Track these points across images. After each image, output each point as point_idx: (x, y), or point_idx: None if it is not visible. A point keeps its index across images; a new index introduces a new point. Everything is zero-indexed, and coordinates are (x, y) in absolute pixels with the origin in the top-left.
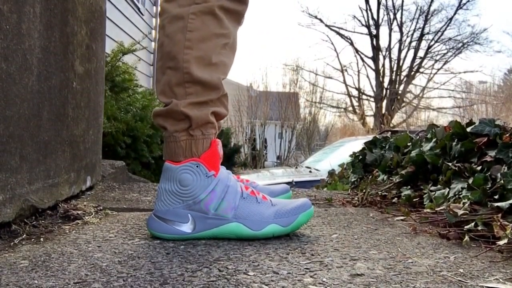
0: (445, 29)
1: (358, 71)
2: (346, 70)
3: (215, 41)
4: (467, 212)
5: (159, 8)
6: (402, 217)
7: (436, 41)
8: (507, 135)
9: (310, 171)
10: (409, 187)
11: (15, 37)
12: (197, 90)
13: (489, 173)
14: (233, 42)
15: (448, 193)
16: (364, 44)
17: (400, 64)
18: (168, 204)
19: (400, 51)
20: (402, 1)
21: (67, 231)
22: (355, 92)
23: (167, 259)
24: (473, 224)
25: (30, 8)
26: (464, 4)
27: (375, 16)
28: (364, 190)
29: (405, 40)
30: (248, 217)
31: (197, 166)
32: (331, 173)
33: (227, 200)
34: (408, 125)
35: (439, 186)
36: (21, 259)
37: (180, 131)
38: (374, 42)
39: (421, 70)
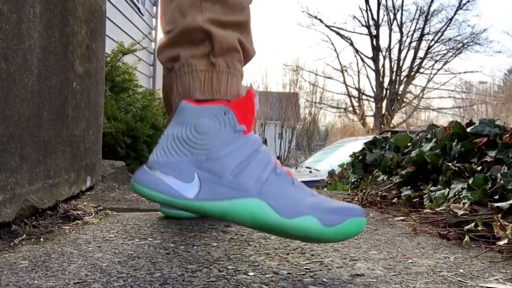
0: (445, 30)
1: (358, 72)
2: (346, 71)
3: None
4: (467, 212)
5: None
6: (402, 217)
7: (436, 42)
8: (507, 135)
9: (310, 171)
10: (409, 187)
11: (15, 37)
12: (216, 9)
13: (489, 173)
14: None
15: (448, 193)
16: (364, 45)
17: (400, 64)
18: (171, 154)
19: (400, 51)
20: (402, 2)
21: (67, 231)
22: (355, 93)
23: (167, 259)
24: (473, 224)
25: (30, 8)
26: (464, 4)
27: (375, 17)
28: (364, 190)
29: (405, 41)
30: (278, 198)
31: (224, 114)
32: (331, 173)
33: (253, 167)
34: (408, 125)
35: (439, 186)
36: (21, 259)
37: (198, 57)
38: (374, 43)
39: (421, 70)
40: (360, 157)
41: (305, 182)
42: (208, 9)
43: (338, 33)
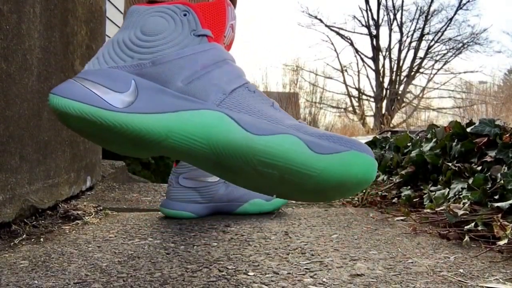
0: (445, 30)
1: (358, 71)
2: (346, 70)
3: None
4: (467, 212)
5: None
6: (402, 217)
7: (436, 42)
8: (507, 135)
9: None
10: (409, 187)
11: (15, 37)
12: None
13: (489, 173)
14: None
15: (448, 193)
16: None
17: (400, 64)
18: (107, 61)
19: (400, 51)
20: (402, 2)
21: (67, 231)
22: (355, 92)
23: (167, 259)
24: (473, 224)
25: (30, 8)
26: (464, 4)
27: (375, 17)
28: (364, 190)
29: (405, 41)
30: (247, 113)
31: (184, 14)
32: None
33: (214, 76)
34: (408, 125)
35: (439, 186)
36: (21, 259)
37: None
38: (374, 43)
39: (421, 70)
40: None
41: None
42: None
43: (338, 33)
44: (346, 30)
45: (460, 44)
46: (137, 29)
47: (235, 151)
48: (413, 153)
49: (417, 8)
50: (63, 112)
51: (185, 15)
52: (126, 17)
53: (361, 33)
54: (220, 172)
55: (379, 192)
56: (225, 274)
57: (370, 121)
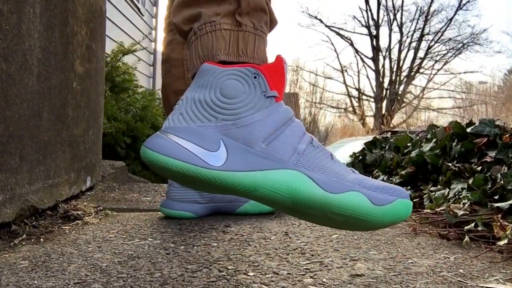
0: (445, 30)
1: (358, 72)
2: (346, 71)
3: None
4: (467, 212)
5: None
6: None
7: (436, 42)
8: (507, 135)
9: None
10: (409, 187)
11: (15, 37)
12: None
13: (489, 173)
14: None
15: (448, 193)
16: (364, 45)
17: (400, 64)
18: (191, 119)
19: (400, 51)
20: (402, 2)
21: (67, 231)
22: (355, 93)
23: (167, 259)
24: (473, 224)
25: (30, 8)
26: (464, 4)
27: (375, 17)
28: None
29: (405, 41)
30: (319, 171)
31: (255, 77)
32: None
33: (288, 136)
34: (408, 125)
35: (439, 186)
36: (21, 260)
37: (222, 15)
38: (374, 43)
39: (421, 70)
40: (360, 157)
41: None
42: None
43: (338, 33)
44: (346, 30)
45: (460, 44)
46: (216, 91)
47: (313, 205)
48: (413, 153)
49: (417, 8)
50: (162, 167)
51: (255, 77)
52: (199, 74)
53: (361, 33)
54: (291, 212)
55: None
56: (225, 274)
57: (370, 121)
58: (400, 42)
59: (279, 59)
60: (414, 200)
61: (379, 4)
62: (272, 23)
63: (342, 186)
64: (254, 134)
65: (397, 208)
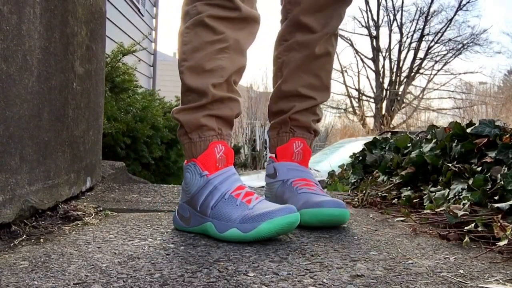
0: (445, 30)
1: (358, 72)
2: (346, 71)
3: (209, 49)
4: (467, 213)
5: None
6: (402, 218)
7: (436, 42)
8: (507, 136)
9: None
10: (409, 188)
11: (15, 38)
12: (194, 97)
13: (489, 174)
14: (235, 43)
15: (448, 194)
16: (364, 45)
17: (400, 65)
18: (181, 199)
19: (400, 52)
20: (402, 2)
21: (67, 232)
22: (355, 93)
23: (167, 260)
24: (473, 225)
25: (31, 9)
26: (464, 5)
27: (375, 17)
28: (364, 191)
29: (405, 41)
30: (219, 218)
31: (194, 166)
32: (331, 174)
33: (208, 199)
34: (408, 126)
35: (439, 187)
36: (21, 260)
37: (182, 136)
38: (374, 43)
39: (421, 71)
40: (360, 157)
41: None
42: (189, 97)
43: None
44: (346, 31)
45: (460, 45)
46: (184, 180)
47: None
48: (413, 154)
49: (417, 9)
50: (177, 229)
51: (194, 166)
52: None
53: (361, 34)
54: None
55: (379, 193)
56: (225, 274)
57: (370, 121)
58: (400, 42)
59: (210, 146)
60: (414, 201)
61: (379, 4)
62: (228, 120)
63: (227, 226)
64: (195, 203)
65: (260, 231)
